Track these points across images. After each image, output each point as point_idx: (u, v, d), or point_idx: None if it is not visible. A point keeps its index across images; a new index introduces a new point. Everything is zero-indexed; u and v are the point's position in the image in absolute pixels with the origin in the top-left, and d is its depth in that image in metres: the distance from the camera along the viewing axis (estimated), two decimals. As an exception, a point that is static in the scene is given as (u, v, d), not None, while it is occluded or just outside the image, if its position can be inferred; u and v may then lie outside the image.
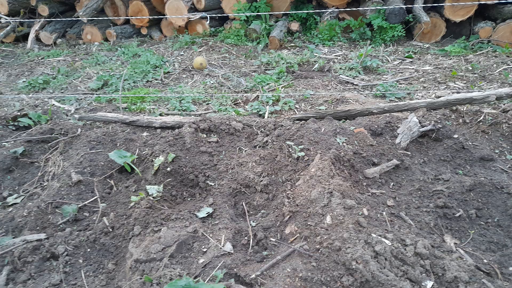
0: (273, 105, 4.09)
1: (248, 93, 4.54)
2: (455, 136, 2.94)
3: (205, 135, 3.08)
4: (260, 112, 3.95)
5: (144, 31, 7.80)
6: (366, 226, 1.96)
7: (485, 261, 1.95)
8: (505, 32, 5.91)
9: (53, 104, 4.44)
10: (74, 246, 2.15)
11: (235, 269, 1.82)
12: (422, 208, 2.31)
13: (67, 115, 4.02)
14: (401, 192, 2.50)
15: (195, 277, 1.78)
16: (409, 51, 6.03)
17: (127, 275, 1.91)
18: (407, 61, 5.66)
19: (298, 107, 4.09)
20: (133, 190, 2.60)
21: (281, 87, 4.66)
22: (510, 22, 5.86)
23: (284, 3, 7.20)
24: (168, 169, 2.62)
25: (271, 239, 2.11)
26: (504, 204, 2.28)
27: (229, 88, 4.79)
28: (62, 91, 4.99)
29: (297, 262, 1.81)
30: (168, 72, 5.53)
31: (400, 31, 6.37)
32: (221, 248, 1.95)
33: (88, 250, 2.16)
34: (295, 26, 7.07)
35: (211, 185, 2.61)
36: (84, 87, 5.05)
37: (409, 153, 2.87)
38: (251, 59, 6.07)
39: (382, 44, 6.46)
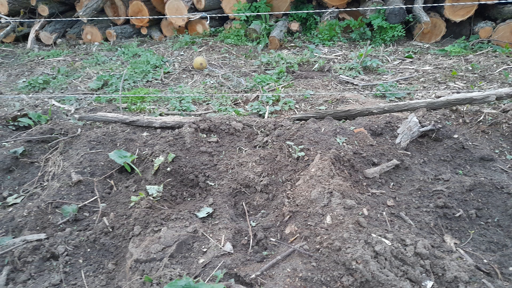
0: (273, 105, 4.09)
1: (248, 93, 4.54)
2: (455, 136, 2.94)
3: (205, 135, 3.08)
4: (260, 112, 3.95)
5: (144, 31, 7.80)
6: (366, 226, 1.96)
7: (485, 261, 1.95)
8: (505, 32, 5.91)
9: (53, 104, 4.44)
10: (74, 246, 2.15)
11: (235, 269, 1.82)
12: (422, 208, 2.31)
13: (67, 115, 4.02)
14: (401, 192, 2.50)
15: (195, 277, 1.78)
16: (409, 51, 6.03)
17: (127, 275, 1.91)
18: (407, 61, 5.66)
19: (298, 107, 4.09)
20: (133, 190, 2.60)
21: (281, 87, 4.66)
22: (510, 22, 5.86)
23: (284, 3, 7.20)
24: (168, 169, 2.62)
25: (271, 239, 2.11)
26: (504, 204, 2.28)
27: (229, 88, 4.79)
28: (62, 91, 4.99)
29: (297, 262, 1.81)
30: (168, 72, 5.54)
31: (400, 31, 6.37)
32: (221, 248, 1.95)
33: (88, 250, 2.16)
34: (295, 26, 7.07)
35: (211, 185, 2.61)
36: (84, 87, 5.05)
37: (409, 153, 2.87)
38: (251, 59, 6.07)
39: (382, 44, 6.46)
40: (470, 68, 5.03)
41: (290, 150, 2.81)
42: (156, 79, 5.25)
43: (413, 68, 5.27)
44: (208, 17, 6.98)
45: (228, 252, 1.93)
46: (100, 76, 5.22)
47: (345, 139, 2.91)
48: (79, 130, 3.31)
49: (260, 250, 2.05)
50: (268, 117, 3.81)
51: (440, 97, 3.84)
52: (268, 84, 4.80)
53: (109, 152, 2.90)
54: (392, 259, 1.78)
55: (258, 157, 2.79)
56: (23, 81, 5.34)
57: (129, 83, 5.05)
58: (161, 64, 5.80)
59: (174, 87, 4.91)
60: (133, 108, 4.18)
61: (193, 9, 7.33)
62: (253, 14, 6.61)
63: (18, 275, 1.98)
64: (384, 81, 4.72)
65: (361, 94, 4.33)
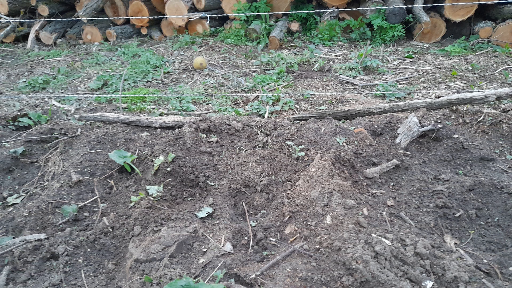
0: (273, 105, 4.09)
1: (248, 93, 4.54)
2: (455, 136, 2.94)
3: (205, 135, 3.08)
4: (260, 112, 3.95)
5: (144, 31, 7.80)
6: (366, 226, 1.96)
7: (485, 261, 1.95)
8: (505, 32, 5.91)
9: (53, 104, 4.44)
10: (74, 246, 2.15)
11: (235, 269, 1.82)
12: (422, 208, 2.31)
13: (67, 115, 4.02)
14: (401, 192, 2.50)
15: (195, 277, 1.78)
16: (409, 51, 6.03)
17: (127, 275, 1.91)
18: (407, 61, 5.66)
19: (298, 107, 4.09)
20: (133, 190, 2.60)
21: (281, 87, 4.66)
22: (510, 22, 5.86)
23: (284, 3, 7.20)
24: (168, 169, 2.62)
25: (271, 239, 2.11)
26: (504, 204, 2.28)
27: (229, 88, 4.79)
28: (62, 91, 4.99)
29: (297, 262, 1.81)
30: (168, 72, 5.54)
31: (400, 31, 6.37)
32: (221, 248, 1.95)
33: (88, 250, 2.16)
34: (295, 26, 7.07)
35: (211, 185, 2.61)
36: (84, 87, 5.05)
37: (409, 153, 2.87)
38: (251, 59, 6.06)
39: (382, 44, 6.46)
40: (470, 68, 5.03)
41: (290, 150, 2.81)
42: (156, 79, 5.25)
43: (413, 68, 5.27)
44: (208, 17, 6.98)
45: (228, 252, 1.93)
46: (100, 76, 5.22)
47: (345, 139, 2.91)
48: (79, 130, 3.31)
49: (260, 250, 2.05)
50: (268, 117, 3.81)
51: (440, 97, 3.84)
52: (268, 84, 4.79)
53: (109, 152, 2.90)
54: (392, 259, 1.78)
55: (258, 157, 2.79)
56: (23, 81, 5.34)
57: (129, 83, 5.05)
58: (161, 64, 5.80)
59: (174, 87, 4.91)
60: (133, 108, 4.18)
61: (193, 9, 7.33)
62: (253, 14, 6.61)
63: (18, 275, 1.98)
64: (384, 81, 4.72)
65: (361, 94, 4.33)
